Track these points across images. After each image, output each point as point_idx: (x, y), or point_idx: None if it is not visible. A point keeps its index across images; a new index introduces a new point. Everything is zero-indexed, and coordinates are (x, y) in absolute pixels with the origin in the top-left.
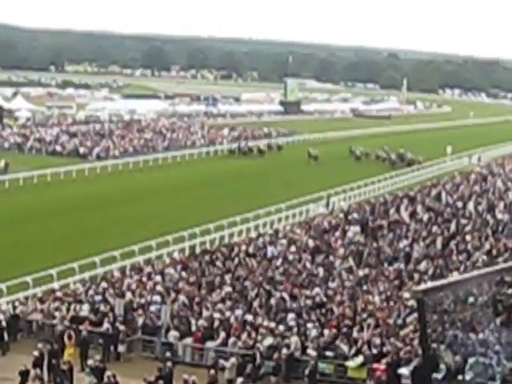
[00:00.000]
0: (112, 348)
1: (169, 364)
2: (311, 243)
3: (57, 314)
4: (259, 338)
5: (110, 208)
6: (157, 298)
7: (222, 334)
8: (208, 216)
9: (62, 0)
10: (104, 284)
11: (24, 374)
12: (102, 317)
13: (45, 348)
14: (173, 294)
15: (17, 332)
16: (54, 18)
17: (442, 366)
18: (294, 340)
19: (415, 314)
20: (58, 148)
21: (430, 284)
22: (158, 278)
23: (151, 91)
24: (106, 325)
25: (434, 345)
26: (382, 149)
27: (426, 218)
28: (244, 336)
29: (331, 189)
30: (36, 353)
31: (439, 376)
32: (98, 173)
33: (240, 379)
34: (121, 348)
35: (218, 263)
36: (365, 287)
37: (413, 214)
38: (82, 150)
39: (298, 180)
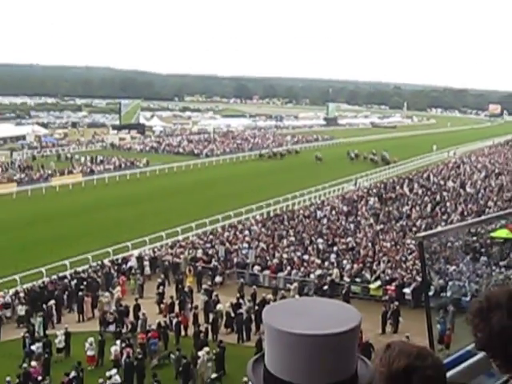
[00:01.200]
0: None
1: (254, 287)
2: (345, 208)
3: (181, 256)
4: (312, 270)
5: (216, 188)
6: (245, 245)
7: (288, 268)
8: (276, 193)
9: (181, 50)
10: (211, 236)
11: (161, 294)
12: (211, 257)
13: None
14: (256, 242)
15: (155, 268)
16: (177, 64)
17: (432, 287)
18: (335, 271)
19: (414, 254)
20: (181, 150)
21: (426, 232)
22: (246, 232)
23: (240, 112)
24: (213, 263)
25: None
26: (371, 151)
27: (420, 191)
28: (302, 269)
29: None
30: (159, 279)
31: (430, 293)
32: (206, 165)
33: (298, 296)
34: (218, 278)
35: (285, 222)
36: (381, 236)
37: (411, 189)
38: (196, 151)
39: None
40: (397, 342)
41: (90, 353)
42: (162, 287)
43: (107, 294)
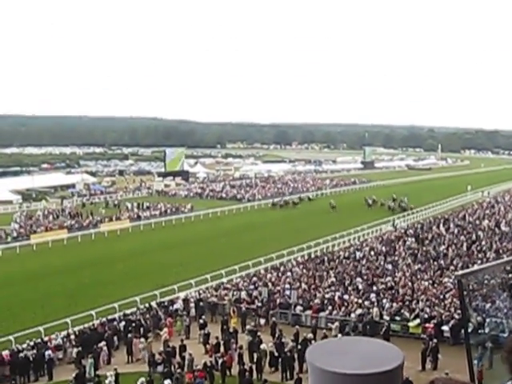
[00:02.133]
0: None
1: (297, 326)
2: (383, 249)
3: (226, 297)
4: (352, 309)
5: (258, 231)
6: (287, 286)
7: (329, 307)
8: (315, 235)
9: (222, 100)
10: (254, 278)
11: (206, 335)
12: (254, 299)
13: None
14: (297, 283)
15: (201, 309)
16: (218, 113)
17: (470, 324)
18: (375, 310)
19: (451, 292)
20: (224, 195)
21: (464, 270)
22: (289, 273)
23: (280, 158)
24: (256, 304)
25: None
26: (391, 196)
27: (456, 231)
28: (343, 308)
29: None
30: (201, 321)
31: (469, 330)
32: (248, 210)
33: (340, 335)
34: (262, 319)
35: (325, 263)
36: (419, 276)
37: (448, 229)
38: (238, 195)
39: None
40: (441, 378)
41: None
42: (207, 328)
43: (142, 339)
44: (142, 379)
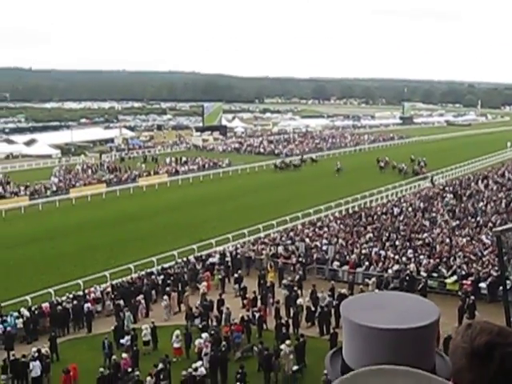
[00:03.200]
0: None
1: (333, 282)
2: (421, 205)
3: (263, 252)
4: (389, 265)
5: (296, 186)
6: (325, 241)
7: (366, 263)
8: (352, 190)
9: (261, 54)
10: (292, 233)
11: (243, 289)
12: (291, 254)
13: (256, 273)
14: (335, 239)
15: (238, 264)
16: (256, 68)
17: (508, 282)
18: (412, 266)
19: (489, 249)
20: (262, 150)
21: (503, 227)
22: (325, 229)
23: (318, 113)
24: (293, 259)
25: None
26: (409, 157)
27: (495, 187)
28: (380, 264)
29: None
30: (237, 275)
31: (507, 287)
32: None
33: (376, 291)
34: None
35: (363, 219)
36: (456, 232)
37: (486, 186)
38: (276, 150)
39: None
40: (478, 321)
41: (176, 345)
42: (243, 283)
43: (165, 297)
44: (177, 332)
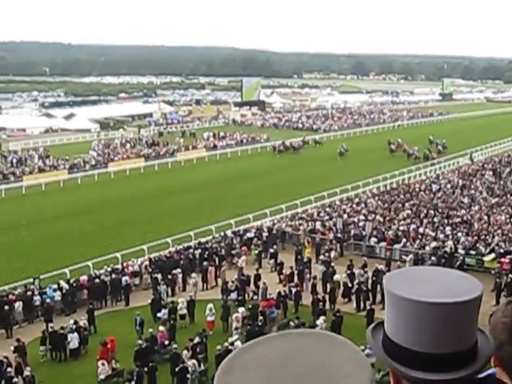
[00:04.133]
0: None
1: (365, 258)
2: (460, 182)
3: (300, 227)
4: (427, 242)
5: (333, 162)
6: (362, 217)
7: (404, 240)
8: (390, 167)
9: (300, 29)
10: (328, 209)
11: (280, 265)
12: (328, 230)
13: (293, 248)
14: (372, 215)
15: (275, 239)
16: (295, 43)
17: None
18: (449, 244)
19: None
20: (300, 125)
21: None
22: (362, 205)
23: (357, 89)
24: (330, 235)
25: None
26: (428, 138)
27: None
28: (417, 241)
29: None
30: (274, 250)
31: None
32: (324, 140)
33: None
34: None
35: (401, 195)
36: (495, 210)
37: None
38: (314, 126)
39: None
40: None
41: (209, 318)
42: (279, 258)
43: (194, 274)
44: (211, 305)
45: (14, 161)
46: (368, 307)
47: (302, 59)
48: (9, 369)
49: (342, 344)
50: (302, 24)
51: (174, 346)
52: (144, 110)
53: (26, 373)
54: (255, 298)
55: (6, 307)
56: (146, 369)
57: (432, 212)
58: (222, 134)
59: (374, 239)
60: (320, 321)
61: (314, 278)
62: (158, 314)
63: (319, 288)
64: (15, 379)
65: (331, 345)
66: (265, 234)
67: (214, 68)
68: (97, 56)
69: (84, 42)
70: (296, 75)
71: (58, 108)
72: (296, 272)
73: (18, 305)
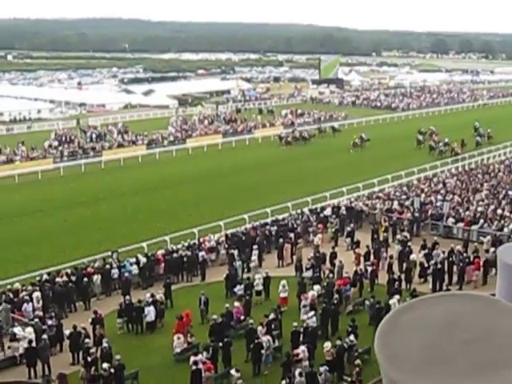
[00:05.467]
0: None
1: (435, 238)
2: None
3: (377, 206)
4: (505, 224)
5: (412, 141)
6: (440, 197)
7: (481, 221)
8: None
9: (380, 7)
10: (406, 188)
11: (356, 243)
12: (405, 209)
13: (369, 227)
14: (450, 195)
15: (351, 218)
16: (374, 20)
17: None
18: None
19: None
20: (378, 104)
21: None
22: (440, 185)
23: (436, 67)
24: (408, 214)
25: None
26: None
27: None
28: (495, 222)
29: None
30: (349, 228)
31: None
32: (402, 119)
33: (492, 249)
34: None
35: (479, 176)
36: None
37: None
38: (392, 105)
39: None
40: None
41: (282, 295)
42: (356, 236)
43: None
44: (284, 282)
45: (94, 136)
46: (444, 288)
47: (381, 37)
48: (87, 340)
49: (510, 311)
50: (382, 1)
51: (251, 321)
52: (222, 86)
53: (104, 344)
54: (331, 276)
55: (85, 280)
56: (220, 344)
57: (511, 193)
58: (299, 111)
59: (451, 219)
60: (394, 300)
61: (391, 257)
62: (234, 290)
63: (395, 268)
64: (92, 350)
65: (499, 311)
66: (342, 212)
67: (292, 45)
68: (176, 33)
69: (163, 19)
70: (375, 53)
71: (137, 84)
72: (372, 251)
73: (97, 278)
